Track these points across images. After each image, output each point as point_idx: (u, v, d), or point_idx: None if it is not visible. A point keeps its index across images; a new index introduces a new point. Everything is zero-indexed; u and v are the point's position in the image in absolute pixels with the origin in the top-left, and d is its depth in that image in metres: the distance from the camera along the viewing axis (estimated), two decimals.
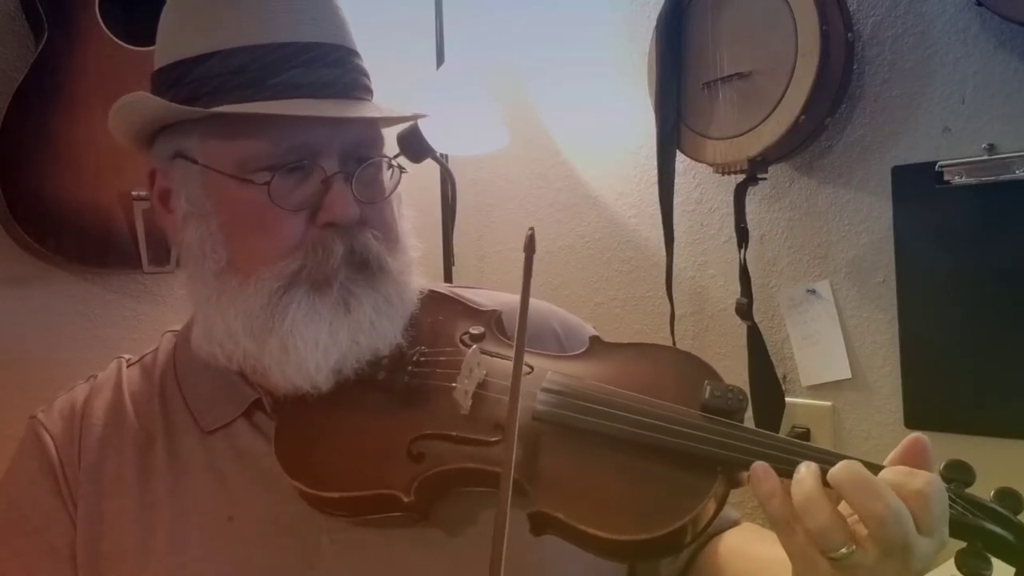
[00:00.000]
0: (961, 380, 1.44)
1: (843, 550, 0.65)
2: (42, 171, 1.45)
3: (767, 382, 1.60)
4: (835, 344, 1.59)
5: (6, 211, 1.43)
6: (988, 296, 1.41)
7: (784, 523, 0.68)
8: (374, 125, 0.89)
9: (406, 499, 0.77)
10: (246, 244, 0.85)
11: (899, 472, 0.68)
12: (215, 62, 0.83)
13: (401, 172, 0.91)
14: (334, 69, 0.85)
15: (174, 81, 0.85)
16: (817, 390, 1.62)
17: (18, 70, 1.46)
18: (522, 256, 0.80)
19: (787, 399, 1.62)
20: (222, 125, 0.84)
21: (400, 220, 0.93)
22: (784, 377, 1.65)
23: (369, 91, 0.91)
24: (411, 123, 1.74)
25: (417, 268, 0.93)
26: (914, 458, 0.70)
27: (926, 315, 1.48)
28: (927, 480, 0.66)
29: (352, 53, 0.89)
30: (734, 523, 0.99)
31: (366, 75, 0.90)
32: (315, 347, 0.83)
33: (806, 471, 0.68)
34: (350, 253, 0.84)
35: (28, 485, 0.90)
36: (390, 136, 0.96)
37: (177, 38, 0.87)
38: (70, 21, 1.47)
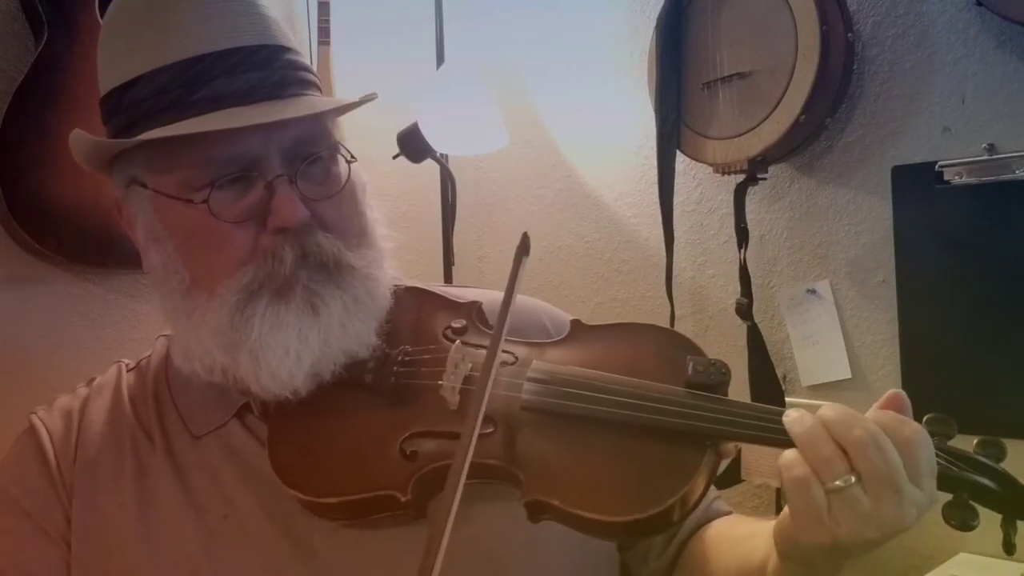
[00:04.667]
0: (961, 380, 1.44)
1: (841, 481, 0.66)
2: (42, 171, 1.45)
3: (767, 382, 1.60)
4: (835, 344, 1.59)
5: (6, 211, 1.43)
6: (988, 296, 1.41)
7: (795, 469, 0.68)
8: (315, 119, 0.85)
9: (403, 498, 0.78)
10: (203, 262, 0.84)
11: (890, 417, 0.69)
12: (140, 87, 0.82)
13: (351, 161, 0.89)
14: (258, 72, 0.83)
15: (112, 110, 0.85)
16: (817, 390, 1.62)
17: (18, 70, 1.46)
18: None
19: (787, 399, 1.62)
20: (157, 150, 0.83)
21: (363, 211, 0.90)
22: (784, 377, 1.65)
23: (305, 84, 0.87)
24: (412, 123, 1.75)
25: (391, 260, 0.92)
26: (897, 411, 0.71)
27: (926, 315, 1.48)
28: (916, 429, 0.68)
29: (280, 50, 0.85)
30: (724, 515, 0.99)
31: (301, 68, 0.87)
32: (285, 355, 0.82)
33: (798, 412, 0.70)
34: (303, 257, 0.83)
35: (20, 473, 0.90)
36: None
37: (110, 66, 0.86)
38: (70, 21, 1.47)
